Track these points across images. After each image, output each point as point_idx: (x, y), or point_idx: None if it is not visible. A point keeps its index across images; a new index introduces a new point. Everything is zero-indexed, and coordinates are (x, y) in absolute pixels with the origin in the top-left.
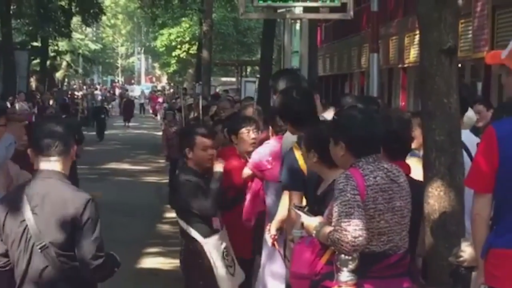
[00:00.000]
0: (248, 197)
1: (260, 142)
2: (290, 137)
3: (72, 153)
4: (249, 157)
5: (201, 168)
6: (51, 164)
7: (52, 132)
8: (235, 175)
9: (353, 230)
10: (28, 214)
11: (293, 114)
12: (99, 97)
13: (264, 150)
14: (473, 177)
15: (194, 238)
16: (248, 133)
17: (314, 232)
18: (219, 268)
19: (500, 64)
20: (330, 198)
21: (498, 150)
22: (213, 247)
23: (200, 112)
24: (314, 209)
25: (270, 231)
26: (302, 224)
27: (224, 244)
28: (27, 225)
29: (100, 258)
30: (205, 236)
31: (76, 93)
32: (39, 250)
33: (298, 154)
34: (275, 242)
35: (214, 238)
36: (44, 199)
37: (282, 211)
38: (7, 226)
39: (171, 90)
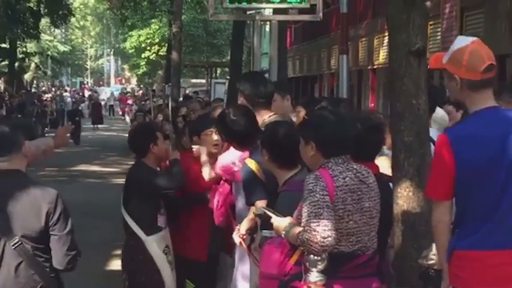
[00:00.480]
0: (217, 201)
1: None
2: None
3: (25, 151)
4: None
5: (158, 164)
6: (5, 164)
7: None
8: (194, 179)
9: (322, 230)
10: None
11: (234, 134)
12: (69, 99)
13: (232, 154)
14: (433, 187)
15: (136, 234)
16: (211, 134)
17: (283, 232)
18: (163, 264)
19: (442, 68)
20: (282, 199)
21: (454, 156)
22: (154, 244)
23: (170, 113)
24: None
25: (240, 231)
26: (272, 224)
27: (165, 244)
28: None
29: (75, 249)
30: (148, 233)
31: (45, 95)
32: (13, 248)
33: (252, 165)
34: (243, 242)
35: (157, 236)
36: (11, 196)
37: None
38: None
39: (141, 92)
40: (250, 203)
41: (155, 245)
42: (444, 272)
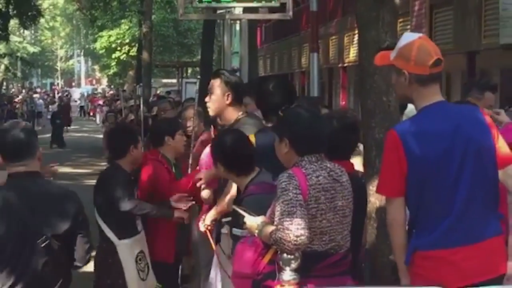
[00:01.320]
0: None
1: (202, 143)
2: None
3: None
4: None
5: (132, 167)
6: (23, 168)
7: None
8: (161, 180)
9: (295, 229)
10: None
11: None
12: (40, 101)
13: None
14: (384, 184)
15: (108, 237)
16: (182, 136)
17: (257, 231)
18: (130, 270)
19: (389, 65)
20: (246, 204)
21: (404, 153)
22: (126, 249)
23: (141, 113)
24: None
25: (205, 221)
26: (245, 223)
27: (139, 249)
28: (25, 223)
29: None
30: (120, 237)
31: (15, 97)
32: (42, 246)
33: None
34: (208, 232)
35: (129, 240)
36: (37, 197)
37: (224, 204)
38: (3, 226)
39: (111, 92)
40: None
41: (126, 250)
42: (401, 270)
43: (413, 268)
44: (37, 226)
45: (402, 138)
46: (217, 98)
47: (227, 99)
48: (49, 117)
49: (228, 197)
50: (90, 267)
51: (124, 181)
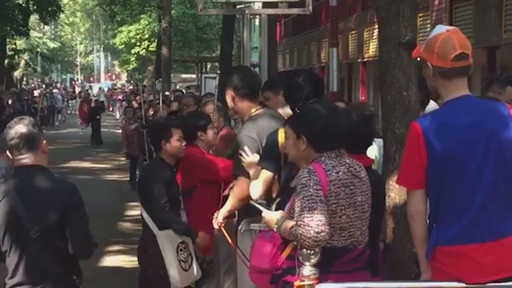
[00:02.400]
0: None
1: (221, 138)
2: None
3: (44, 148)
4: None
5: (173, 160)
6: (27, 160)
7: None
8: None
9: (316, 225)
10: (19, 204)
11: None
12: (59, 96)
13: None
14: (404, 175)
15: (149, 227)
16: (213, 129)
17: (275, 226)
18: (170, 260)
19: (419, 57)
20: None
21: (425, 146)
22: (165, 239)
23: (161, 108)
24: (284, 201)
25: (218, 219)
26: (263, 218)
27: (181, 239)
28: (19, 215)
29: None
30: (161, 228)
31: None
32: (34, 236)
33: (280, 137)
34: (223, 229)
35: (170, 230)
36: (32, 189)
37: (233, 201)
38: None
39: (130, 88)
40: (258, 164)
41: (166, 240)
42: (422, 264)
43: (433, 262)
44: (30, 217)
45: (424, 131)
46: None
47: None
48: (69, 112)
49: (264, 173)
50: (108, 262)
51: (163, 177)
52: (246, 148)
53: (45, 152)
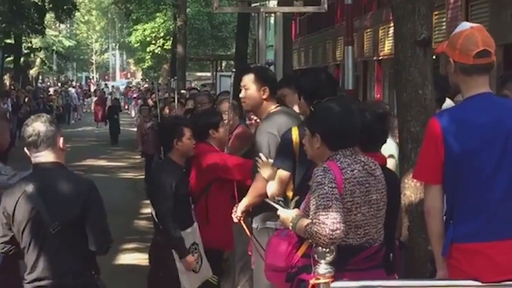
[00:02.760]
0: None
1: (236, 137)
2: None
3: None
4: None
5: (183, 159)
6: (44, 157)
7: None
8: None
9: (331, 223)
10: (38, 201)
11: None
12: (75, 94)
13: None
14: (421, 170)
15: (162, 231)
16: (224, 127)
17: (291, 224)
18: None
19: (442, 52)
20: None
21: (443, 142)
22: None
23: (176, 106)
24: (300, 199)
25: (237, 212)
26: (279, 216)
27: (192, 241)
28: (38, 211)
29: (109, 233)
30: None
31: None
32: (53, 232)
33: (294, 135)
34: (242, 222)
35: (182, 234)
36: (52, 186)
37: (250, 197)
38: (18, 214)
39: (145, 86)
40: (273, 164)
41: None
42: (438, 261)
43: (449, 260)
44: (49, 213)
45: (442, 126)
46: (253, 93)
47: (264, 94)
48: (84, 110)
49: (280, 172)
50: (123, 260)
51: (170, 180)
52: (261, 155)
53: (62, 150)
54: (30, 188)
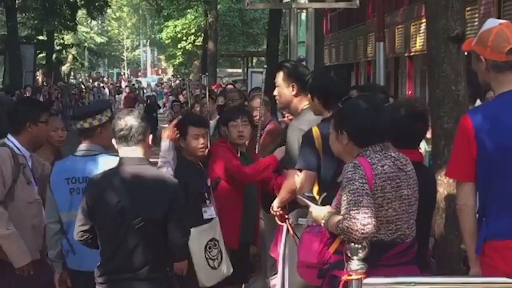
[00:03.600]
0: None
1: (267, 133)
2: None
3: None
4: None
5: (194, 157)
6: (133, 152)
7: None
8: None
9: (362, 218)
10: (124, 195)
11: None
12: (106, 90)
13: None
14: (454, 167)
15: None
16: (236, 125)
17: (323, 221)
18: (198, 258)
19: (471, 50)
20: None
21: (475, 139)
22: (194, 237)
23: (207, 103)
24: (330, 196)
25: (273, 208)
26: (310, 213)
27: (210, 237)
28: (123, 205)
29: (187, 236)
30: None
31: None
32: (136, 227)
33: (316, 135)
34: (279, 218)
35: (195, 230)
36: (139, 181)
37: (283, 193)
38: (102, 205)
39: (177, 82)
40: (297, 167)
41: (192, 240)
42: (471, 259)
43: (483, 257)
44: (133, 209)
45: (474, 123)
46: (282, 90)
47: (293, 90)
48: (116, 106)
49: (303, 173)
50: None
51: (182, 173)
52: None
53: (149, 147)
54: (116, 180)
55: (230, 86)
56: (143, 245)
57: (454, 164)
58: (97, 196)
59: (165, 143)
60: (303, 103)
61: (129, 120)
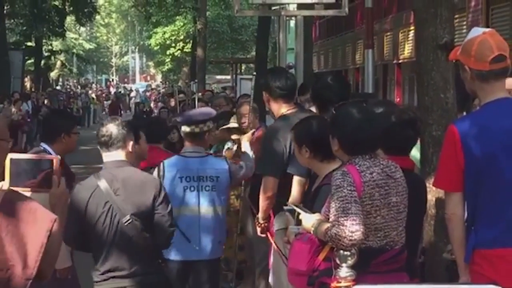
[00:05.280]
0: None
1: (257, 140)
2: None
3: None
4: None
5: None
6: (114, 156)
7: None
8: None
9: (351, 224)
10: (110, 195)
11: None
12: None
13: None
14: (441, 177)
15: None
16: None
17: (312, 229)
18: None
19: (457, 59)
20: (322, 194)
21: (462, 149)
22: None
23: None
24: (308, 205)
25: (259, 221)
26: (300, 221)
27: None
28: (111, 205)
29: (173, 226)
30: None
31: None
32: (125, 224)
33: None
34: (268, 234)
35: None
36: (124, 182)
37: (261, 202)
38: (91, 208)
39: (165, 89)
40: (291, 173)
41: None
42: (461, 267)
43: (472, 266)
44: (122, 207)
45: (461, 133)
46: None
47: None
48: (104, 112)
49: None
50: None
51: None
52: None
53: (131, 152)
54: (103, 183)
55: (223, 94)
56: (134, 241)
57: (442, 174)
58: (86, 200)
59: None
60: (283, 109)
61: (110, 128)
